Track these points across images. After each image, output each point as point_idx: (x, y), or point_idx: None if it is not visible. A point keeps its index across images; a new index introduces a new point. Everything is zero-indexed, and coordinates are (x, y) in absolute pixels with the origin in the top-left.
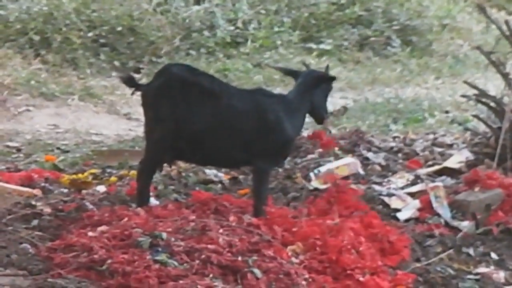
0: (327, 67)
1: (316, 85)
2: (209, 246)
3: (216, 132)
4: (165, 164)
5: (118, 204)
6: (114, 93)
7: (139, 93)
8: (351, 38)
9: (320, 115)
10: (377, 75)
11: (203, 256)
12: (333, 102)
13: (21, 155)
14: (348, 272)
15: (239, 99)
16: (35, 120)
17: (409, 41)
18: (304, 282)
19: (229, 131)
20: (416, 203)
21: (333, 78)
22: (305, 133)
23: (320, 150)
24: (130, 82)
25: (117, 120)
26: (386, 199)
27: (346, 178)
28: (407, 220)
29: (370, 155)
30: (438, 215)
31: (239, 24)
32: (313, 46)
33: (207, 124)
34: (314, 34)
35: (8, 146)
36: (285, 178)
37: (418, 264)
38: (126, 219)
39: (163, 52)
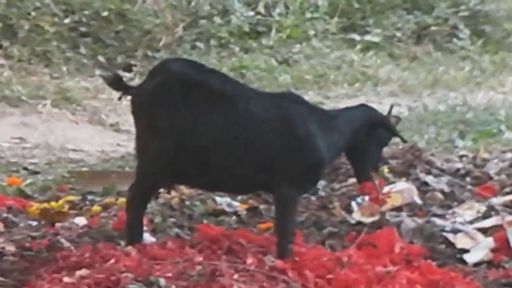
0: (391, 107)
1: (368, 126)
2: None
3: (228, 147)
4: (162, 190)
5: (102, 241)
6: (97, 98)
7: (129, 97)
8: (406, 27)
9: (367, 168)
10: (439, 75)
11: None
12: (382, 110)
13: None
14: None
15: (259, 105)
16: None
17: (481, 32)
18: None
19: (245, 146)
20: (489, 242)
21: (393, 132)
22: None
23: None
24: (116, 83)
25: (101, 132)
26: (450, 236)
27: (398, 208)
28: (477, 264)
29: (429, 179)
30: None
31: (260, 9)
32: (357, 37)
33: (217, 137)
34: (358, 22)
35: None
36: (319, 209)
37: None
38: (112, 260)
39: (162, 44)
